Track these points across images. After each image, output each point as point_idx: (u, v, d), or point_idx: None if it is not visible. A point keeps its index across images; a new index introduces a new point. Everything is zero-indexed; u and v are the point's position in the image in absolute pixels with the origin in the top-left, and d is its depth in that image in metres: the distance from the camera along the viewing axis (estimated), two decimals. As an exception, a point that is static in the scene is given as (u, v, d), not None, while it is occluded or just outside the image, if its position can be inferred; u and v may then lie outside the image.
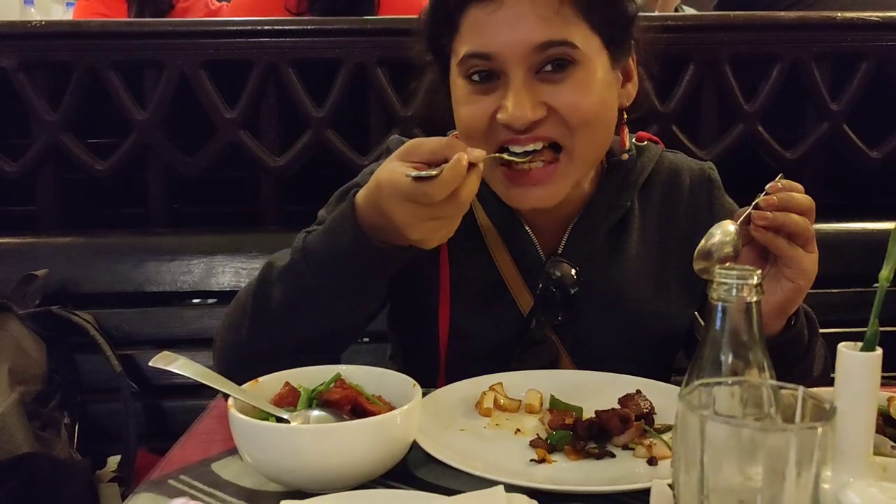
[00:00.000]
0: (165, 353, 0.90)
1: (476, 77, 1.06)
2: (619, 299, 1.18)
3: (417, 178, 0.90)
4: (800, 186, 0.98)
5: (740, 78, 1.92)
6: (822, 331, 1.13)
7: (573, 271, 1.17)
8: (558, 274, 1.16)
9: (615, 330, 1.18)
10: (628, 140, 1.20)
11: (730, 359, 0.62)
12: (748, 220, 0.96)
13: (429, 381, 1.04)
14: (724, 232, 0.95)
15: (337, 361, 1.07)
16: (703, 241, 0.95)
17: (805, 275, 0.97)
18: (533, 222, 1.20)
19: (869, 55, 1.90)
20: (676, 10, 3.14)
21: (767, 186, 0.97)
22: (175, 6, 2.87)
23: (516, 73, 1.03)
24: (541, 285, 1.16)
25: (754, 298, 0.62)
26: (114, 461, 1.63)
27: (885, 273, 0.65)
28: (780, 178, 0.99)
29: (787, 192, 0.96)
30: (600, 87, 1.07)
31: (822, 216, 1.78)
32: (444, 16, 1.09)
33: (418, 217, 0.94)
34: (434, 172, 0.90)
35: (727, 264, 0.79)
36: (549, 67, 1.04)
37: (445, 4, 1.08)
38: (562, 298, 1.16)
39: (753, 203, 0.97)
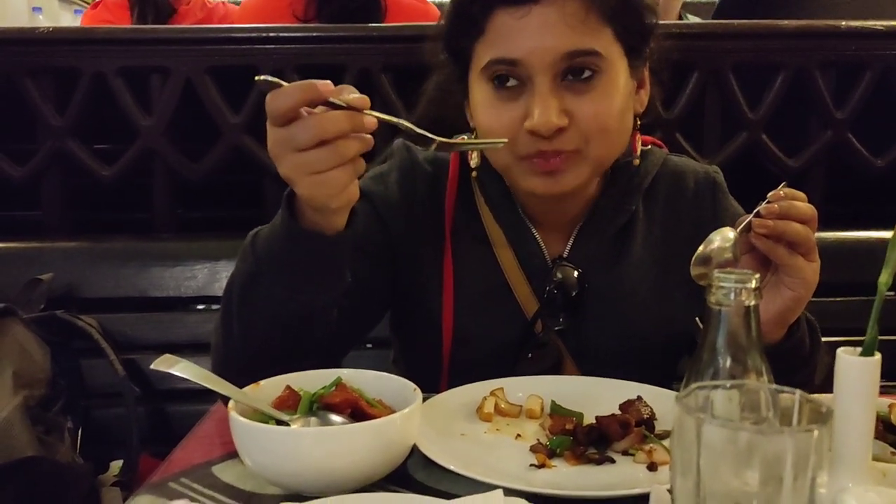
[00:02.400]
0: (167, 356, 0.90)
1: (500, 82, 1.06)
2: (624, 303, 1.18)
3: (267, 82, 0.85)
4: (802, 195, 0.98)
5: (744, 86, 1.92)
6: (825, 339, 1.13)
7: (575, 274, 1.17)
8: (560, 276, 1.16)
9: (619, 333, 1.18)
10: (639, 146, 1.20)
11: (728, 363, 0.62)
12: (748, 227, 0.96)
13: (432, 385, 1.04)
14: (723, 238, 0.94)
15: (339, 366, 1.07)
16: (701, 247, 0.94)
17: (805, 284, 0.97)
18: (539, 226, 1.20)
19: (873, 64, 1.90)
20: (681, 18, 3.14)
21: (769, 195, 0.97)
22: (177, 10, 2.90)
23: (542, 79, 1.03)
24: (546, 288, 1.16)
25: (752, 302, 0.62)
26: (116, 466, 1.63)
27: (883, 278, 0.65)
28: (783, 186, 0.99)
29: (788, 200, 0.95)
30: (621, 95, 1.08)
31: (825, 224, 1.78)
32: (468, 18, 1.08)
33: (298, 166, 0.86)
34: (283, 83, 0.85)
35: (726, 269, 0.79)
36: (573, 76, 1.04)
37: (471, 7, 1.07)
38: (564, 302, 1.16)
39: (754, 211, 0.96)
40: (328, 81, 0.85)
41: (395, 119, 0.90)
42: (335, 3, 2.26)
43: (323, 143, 0.84)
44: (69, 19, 4.64)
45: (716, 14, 2.56)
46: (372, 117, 0.86)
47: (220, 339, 1.07)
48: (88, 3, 3.29)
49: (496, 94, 1.07)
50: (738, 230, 0.96)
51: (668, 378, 1.20)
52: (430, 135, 0.93)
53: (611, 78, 1.06)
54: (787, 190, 0.98)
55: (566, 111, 1.04)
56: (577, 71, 1.04)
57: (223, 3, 3.25)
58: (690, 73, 1.90)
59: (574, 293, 1.16)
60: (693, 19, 3.15)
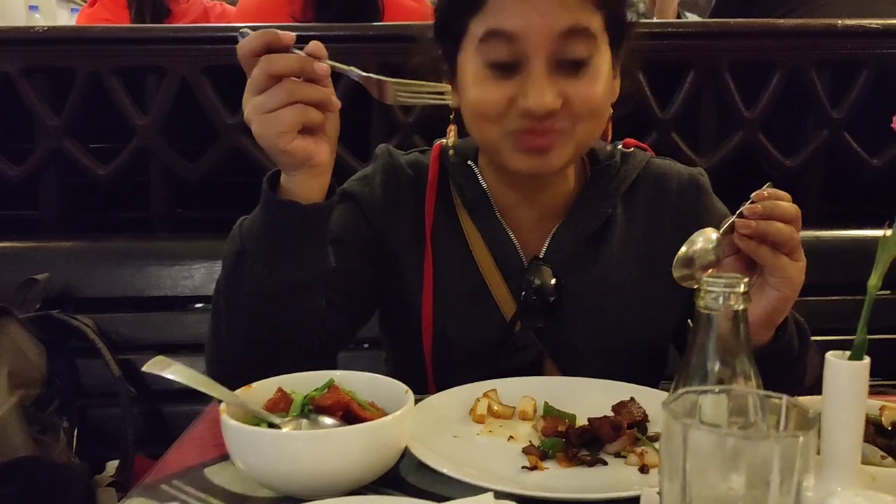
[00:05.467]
0: (160, 357, 0.90)
1: (495, 63, 1.06)
2: (601, 304, 1.19)
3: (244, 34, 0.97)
4: (786, 195, 0.98)
5: (740, 85, 1.92)
6: (821, 339, 1.12)
7: (552, 280, 1.17)
8: (538, 282, 1.17)
9: (597, 334, 1.19)
10: (610, 133, 1.20)
11: (716, 367, 0.62)
12: (732, 228, 0.96)
13: (418, 385, 1.04)
14: (706, 239, 0.94)
15: (333, 366, 1.07)
16: (684, 248, 0.94)
17: (791, 284, 0.97)
18: (516, 228, 1.21)
19: (869, 62, 1.90)
20: (679, 17, 3.14)
21: (753, 195, 0.97)
22: (173, 11, 2.89)
23: (538, 59, 1.04)
24: (523, 294, 1.17)
25: (741, 306, 0.62)
26: (112, 466, 1.64)
27: (873, 281, 0.65)
28: (768, 186, 0.99)
29: (772, 200, 0.95)
30: (606, 81, 1.10)
31: (821, 224, 1.81)
32: None
33: (254, 107, 0.93)
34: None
35: (710, 271, 0.79)
36: (567, 62, 1.05)
37: None
38: (542, 306, 1.17)
39: (737, 212, 0.96)
40: (291, 33, 0.94)
41: (345, 67, 0.97)
42: (334, 5, 2.26)
43: (278, 110, 0.92)
44: (66, 18, 4.64)
45: (712, 13, 2.56)
46: (323, 64, 0.94)
47: (210, 336, 1.10)
48: (86, 2, 3.28)
49: (490, 72, 1.07)
50: (720, 231, 0.96)
51: (652, 377, 1.21)
52: (380, 77, 0.99)
53: (599, 64, 1.08)
54: (771, 190, 0.98)
55: (559, 93, 1.05)
56: (570, 57, 1.05)
57: (220, 2, 3.24)
58: (686, 72, 1.90)
59: (552, 299, 1.17)
60: (691, 17, 3.15)
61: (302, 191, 0.99)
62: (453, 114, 1.16)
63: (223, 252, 1.06)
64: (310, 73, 0.93)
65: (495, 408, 1.02)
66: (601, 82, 1.08)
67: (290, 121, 0.93)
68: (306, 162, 0.97)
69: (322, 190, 1.02)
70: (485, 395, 1.03)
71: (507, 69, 1.06)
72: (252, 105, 0.94)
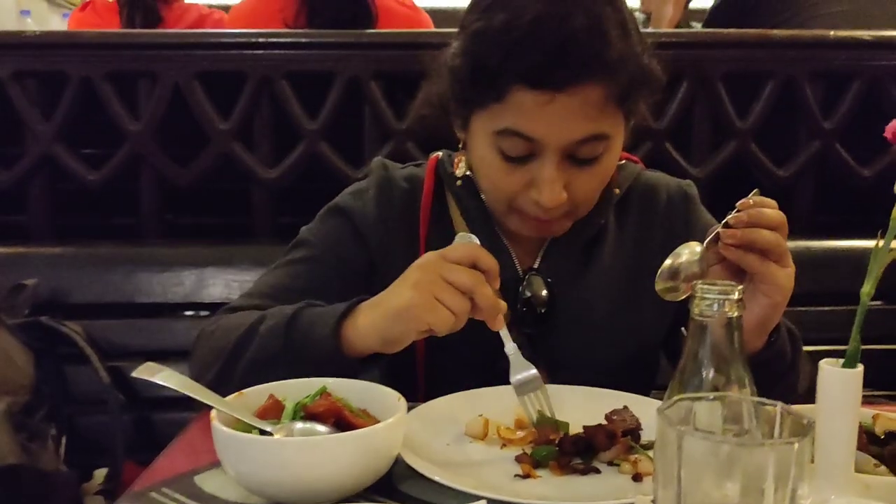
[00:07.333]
0: (149, 363, 0.90)
1: (508, 155, 1.06)
2: (592, 313, 1.20)
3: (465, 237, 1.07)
4: (772, 202, 0.98)
5: (733, 95, 1.93)
6: (814, 348, 1.12)
7: (544, 292, 1.19)
8: (528, 294, 1.19)
9: (588, 342, 1.19)
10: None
11: (710, 374, 0.62)
12: (717, 238, 0.96)
13: (411, 394, 1.04)
14: (691, 252, 0.95)
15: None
16: (669, 261, 0.95)
17: (781, 290, 0.97)
18: (512, 239, 1.22)
19: (861, 74, 1.91)
20: (679, 26, 3.14)
21: (738, 203, 0.97)
22: (164, 17, 2.87)
23: (552, 158, 1.04)
24: (518, 301, 1.19)
25: (735, 314, 0.62)
26: (101, 474, 1.62)
27: (866, 289, 0.65)
28: (755, 193, 0.99)
29: (757, 208, 0.95)
30: (615, 158, 1.12)
31: (813, 234, 1.81)
32: (487, 85, 1.04)
33: (432, 283, 0.96)
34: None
35: (694, 282, 0.79)
36: (580, 156, 1.06)
37: (492, 80, 1.03)
38: (532, 317, 1.19)
39: (723, 221, 0.97)
40: (496, 263, 1.00)
41: (510, 340, 1.03)
42: (326, 13, 2.25)
43: (454, 289, 0.96)
44: (58, 23, 4.60)
45: (706, 23, 2.57)
46: (500, 324, 1.00)
47: (216, 373, 1.08)
48: (77, 6, 3.27)
49: (502, 159, 1.07)
50: (706, 242, 0.96)
51: (642, 386, 1.22)
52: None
53: (612, 152, 1.09)
54: (757, 198, 0.97)
55: (567, 185, 1.07)
56: (583, 156, 1.06)
57: (219, 10, 3.22)
58: (680, 82, 1.90)
59: (541, 311, 1.19)
60: (696, 27, 3.16)
61: (381, 338, 1.01)
62: (462, 144, 1.17)
63: (265, 328, 1.06)
64: (478, 300, 0.96)
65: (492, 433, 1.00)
66: (610, 167, 1.11)
67: (451, 317, 0.96)
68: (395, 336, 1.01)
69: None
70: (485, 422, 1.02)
71: (519, 160, 1.06)
72: (437, 287, 0.96)
